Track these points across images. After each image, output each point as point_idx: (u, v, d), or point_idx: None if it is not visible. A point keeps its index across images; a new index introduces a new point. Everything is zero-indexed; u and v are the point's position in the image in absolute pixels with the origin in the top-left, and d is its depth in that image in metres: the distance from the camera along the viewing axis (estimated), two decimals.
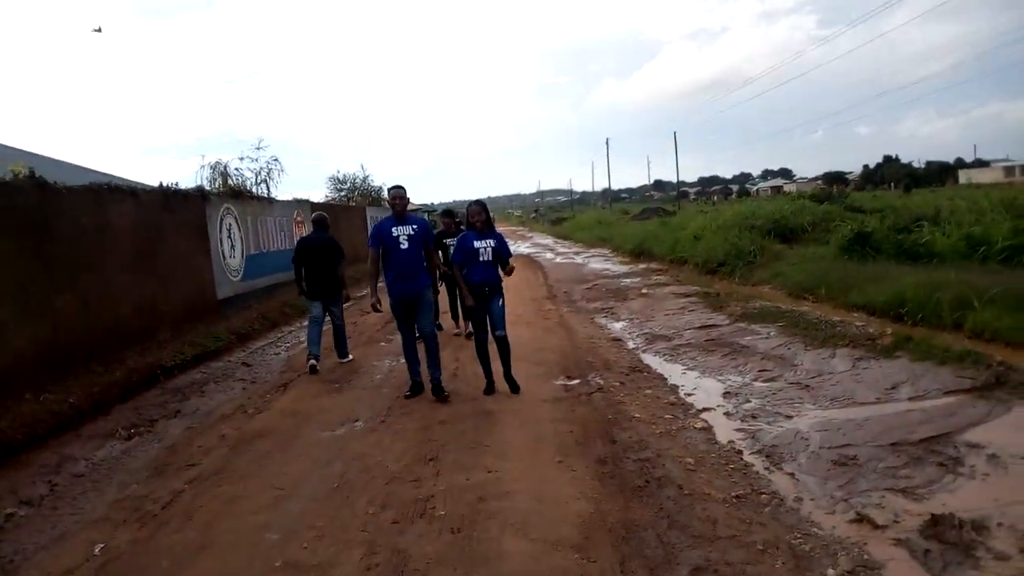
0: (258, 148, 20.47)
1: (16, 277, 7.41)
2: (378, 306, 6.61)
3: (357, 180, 35.44)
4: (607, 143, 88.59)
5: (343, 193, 34.19)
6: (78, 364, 8.22)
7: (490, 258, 6.45)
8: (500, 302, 6.55)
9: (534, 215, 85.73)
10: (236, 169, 19.94)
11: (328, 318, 8.55)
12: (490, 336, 6.58)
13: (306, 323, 8.91)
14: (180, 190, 12.00)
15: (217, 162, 19.69)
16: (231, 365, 9.54)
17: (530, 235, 49.72)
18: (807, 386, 6.45)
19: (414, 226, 6.55)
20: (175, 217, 11.48)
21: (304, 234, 18.70)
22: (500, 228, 7.53)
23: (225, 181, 18.75)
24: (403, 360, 7.08)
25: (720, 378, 6.96)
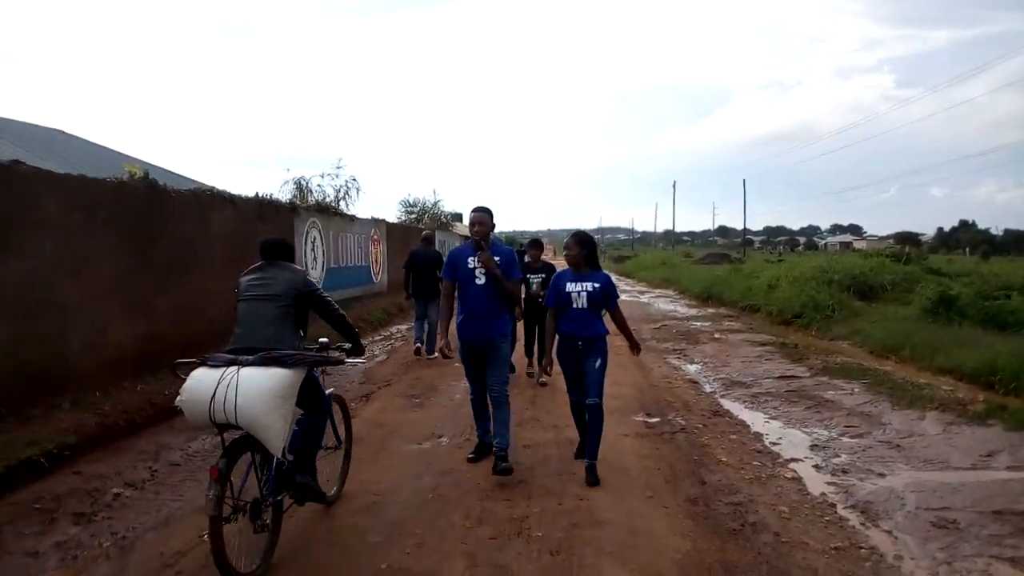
0: (338, 167, 21.20)
1: (123, 274, 7.81)
2: (447, 351, 5.39)
3: (427, 204, 36.13)
4: (674, 185, 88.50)
5: (413, 216, 34.85)
6: (173, 359, 8.56)
7: (585, 305, 5.19)
8: (597, 362, 5.16)
9: None
10: (318, 185, 20.67)
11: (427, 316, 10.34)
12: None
13: (378, 338, 9.38)
14: (273, 201, 12.49)
15: (300, 178, 20.44)
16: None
17: None
18: (898, 445, 6.30)
19: (496, 257, 5.21)
20: (266, 227, 11.91)
21: (382, 249, 19.14)
22: (560, 262, 6.43)
23: (304, 197, 19.42)
24: None
25: (805, 430, 6.85)
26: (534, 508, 4.56)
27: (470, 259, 5.22)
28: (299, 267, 4.42)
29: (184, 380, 3.70)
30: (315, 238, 14.27)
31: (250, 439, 3.62)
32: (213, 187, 10.65)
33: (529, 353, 8.91)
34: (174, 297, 8.76)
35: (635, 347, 5.70)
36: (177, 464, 5.76)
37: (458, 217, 43.02)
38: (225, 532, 3.38)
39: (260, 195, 12.01)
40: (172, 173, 17.66)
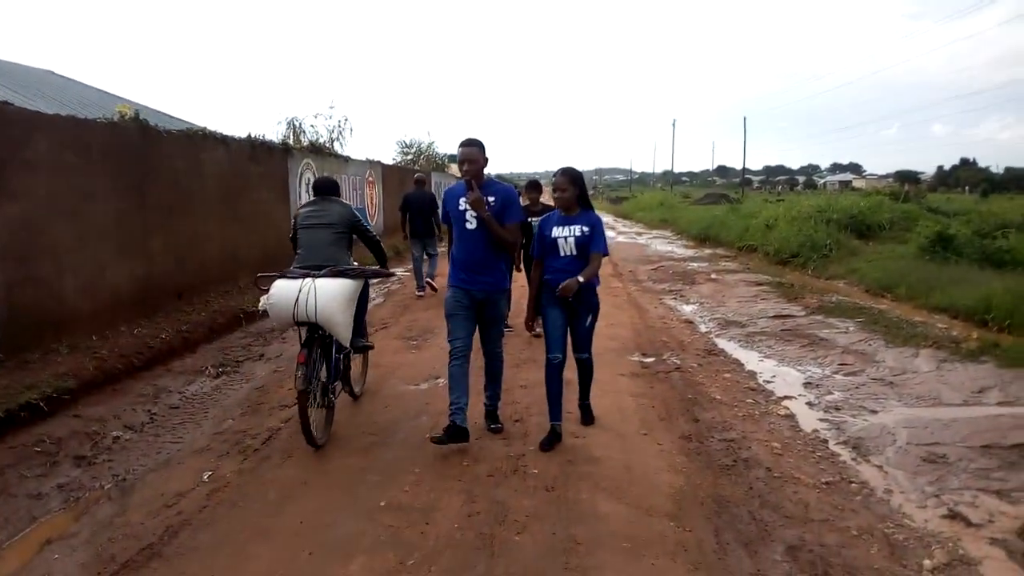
0: (331, 107, 20.87)
1: (117, 216, 7.74)
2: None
3: (423, 146, 35.73)
4: (673, 124, 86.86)
5: (409, 157, 34.51)
6: (168, 302, 8.57)
7: (574, 252, 4.58)
8: (588, 319, 4.72)
9: (592, 192, 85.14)
10: (311, 126, 20.39)
11: (426, 257, 11.04)
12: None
13: (375, 281, 9.38)
14: (266, 142, 12.30)
15: (293, 118, 20.14)
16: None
17: None
18: (891, 383, 6.36)
19: (490, 197, 4.55)
20: (259, 168, 11.79)
21: (377, 191, 18.98)
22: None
23: (298, 137, 19.18)
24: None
25: (799, 368, 6.90)
26: (530, 446, 4.62)
27: (461, 199, 4.56)
28: (347, 201, 5.53)
29: (265, 290, 4.76)
30: (309, 179, 14.12)
31: (317, 337, 4.62)
32: (205, 127, 10.45)
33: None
34: (168, 238, 8.71)
35: (569, 284, 4.39)
36: (176, 407, 5.80)
37: (453, 159, 42.55)
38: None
39: (252, 136, 11.82)
40: (163, 114, 17.37)
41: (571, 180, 4.66)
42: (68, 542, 3.58)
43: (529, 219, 7.40)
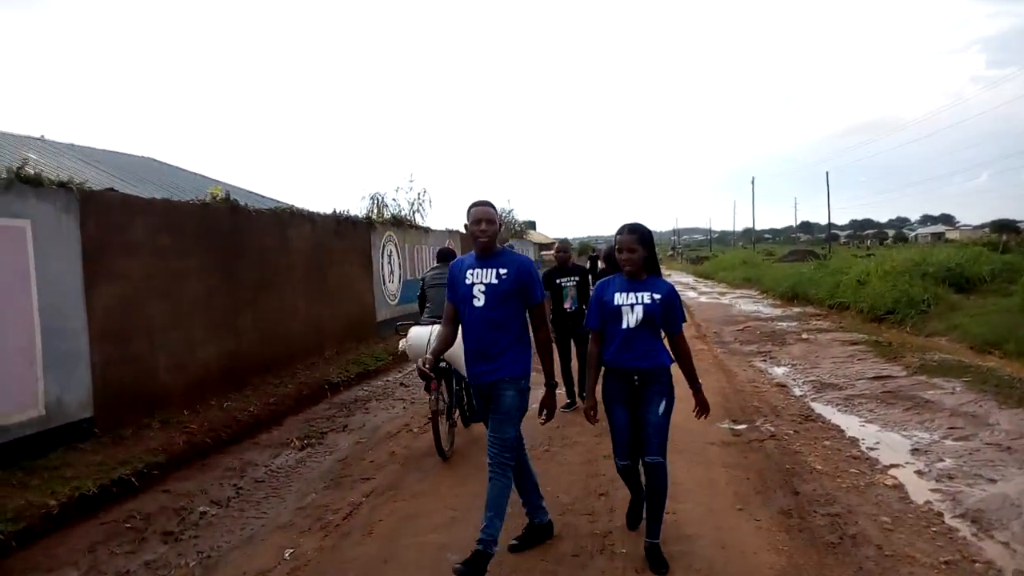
0: (411, 180, 21.55)
1: (208, 293, 8.04)
2: (426, 365, 4.05)
3: (502, 214, 36.30)
4: (752, 181, 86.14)
5: None
6: (255, 376, 8.78)
7: (640, 323, 3.71)
8: (660, 405, 3.73)
9: (671, 252, 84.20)
10: (392, 199, 21.07)
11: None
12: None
13: None
14: (350, 217, 12.70)
15: (375, 193, 20.86)
16: (390, 384, 9.88)
17: (667, 273, 48.50)
18: (1008, 448, 5.83)
19: (502, 270, 3.78)
20: (344, 243, 12.14)
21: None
22: None
23: (380, 211, 19.79)
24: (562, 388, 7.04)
25: (905, 433, 6.43)
26: (616, 523, 4.39)
27: (469, 272, 3.83)
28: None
29: (404, 335, 6.44)
30: (391, 251, 14.45)
31: (443, 372, 5.89)
32: (292, 205, 10.89)
33: (570, 387, 7.38)
34: (256, 313, 8.98)
35: (702, 404, 3.86)
36: (261, 480, 5.83)
37: (531, 225, 43.12)
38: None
39: (337, 211, 12.23)
40: (254, 194, 18.22)
41: (640, 240, 3.78)
42: None
43: (559, 280, 7.37)
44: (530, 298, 3.84)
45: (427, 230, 17.58)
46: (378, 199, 20.62)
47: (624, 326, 3.74)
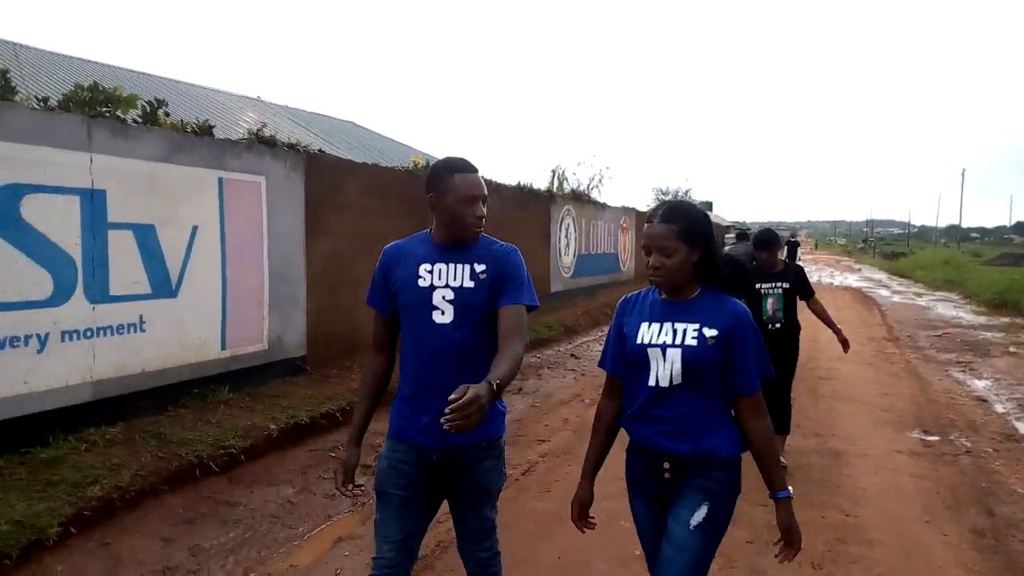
0: (593, 156, 21.65)
1: None
2: (344, 480, 2.56)
3: (679, 192, 35.67)
4: (962, 174, 77.60)
5: None
6: None
7: (678, 377, 2.21)
8: (697, 513, 2.26)
9: (861, 246, 78.51)
10: (573, 173, 21.31)
11: None
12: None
13: None
14: (533, 189, 13.07)
15: (557, 166, 21.18)
16: (561, 354, 10.17)
17: (857, 267, 45.73)
18: None
19: (479, 265, 2.35)
20: (525, 213, 12.52)
21: (630, 236, 19.23)
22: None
23: (561, 184, 20.09)
24: None
25: None
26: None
27: (424, 267, 2.37)
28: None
29: None
30: (568, 225, 14.70)
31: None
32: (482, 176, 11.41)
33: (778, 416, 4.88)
34: None
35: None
36: None
37: (709, 206, 41.90)
38: None
39: (521, 183, 12.62)
40: None
41: (682, 233, 2.16)
42: (355, 542, 4.03)
43: (759, 285, 5.25)
44: (506, 297, 2.32)
45: (604, 206, 17.65)
46: (559, 173, 20.90)
47: (652, 381, 2.23)
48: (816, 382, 8.44)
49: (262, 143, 6.66)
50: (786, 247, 14.11)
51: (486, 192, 2.36)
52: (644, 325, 2.25)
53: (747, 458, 2.34)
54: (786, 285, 5.22)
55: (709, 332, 2.17)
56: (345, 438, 2.70)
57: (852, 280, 30.31)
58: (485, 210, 2.36)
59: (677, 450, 2.24)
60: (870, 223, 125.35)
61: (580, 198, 16.45)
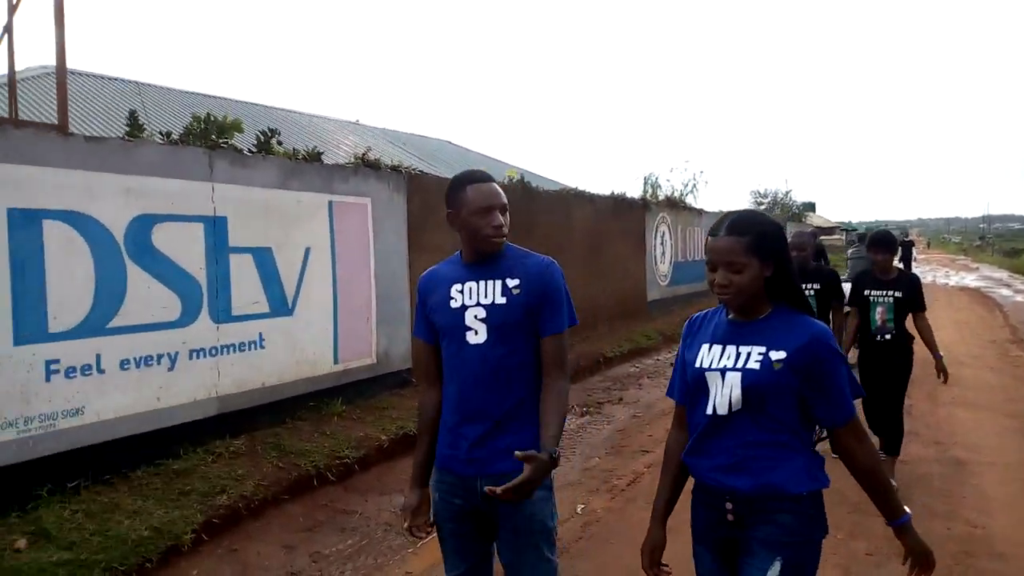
0: (686, 162, 21.36)
1: None
2: (411, 524, 2.30)
3: (779, 195, 34.69)
4: None
5: (763, 207, 33.69)
6: None
7: (738, 403, 1.97)
8: (773, 567, 1.92)
9: (978, 243, 73.96)
10: (667, 180, 21.08)
11: None
12: None
13: None
14: (627, 198, 13.04)
15: (650, 174, 21.01)
16: (660, 364, 10.08)
17: (975, 266, 43.08)
18: None
19: (511, 280, 2.24)
20: (619, 223, 12.51)
21: None
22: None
23: (654, 191, 19.92)
24: None
25: None
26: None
27: (455, 289, 2.27)
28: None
29: None
30: (664, 232, 14.56)
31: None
32: (576, 187, 11.49)
33: (872, 424, 4.93)
34: None
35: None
36: None
37: (811, 207, 40.54)
38: None
39: (615, 192, 12.63)
40: (541, 176, 19.37)
41: (750, 247, 1.94)
42: None
43: (868, 292, 4.95)
44: (548, 324, 2.23)
45: (700, 211, 17.37)
46: (652, 180, 20.73)
47: (709, 409, 2.02)
48: (935, 387, 8.00)
49: (367, 166, 6.95)
50: (899, 247, 13.44)
51: (504, 200, 2.26)
52: (705, 347, 2.05)
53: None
54: (898, 294, 4.84)
55: (776, 355, 1.93)
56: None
57: (970, 280, 28.56)
58: (505, 219, 2.25)
59: (736, 487, 1.97)
60: (987, 218, 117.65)
61: (675, 205, 16.28)
